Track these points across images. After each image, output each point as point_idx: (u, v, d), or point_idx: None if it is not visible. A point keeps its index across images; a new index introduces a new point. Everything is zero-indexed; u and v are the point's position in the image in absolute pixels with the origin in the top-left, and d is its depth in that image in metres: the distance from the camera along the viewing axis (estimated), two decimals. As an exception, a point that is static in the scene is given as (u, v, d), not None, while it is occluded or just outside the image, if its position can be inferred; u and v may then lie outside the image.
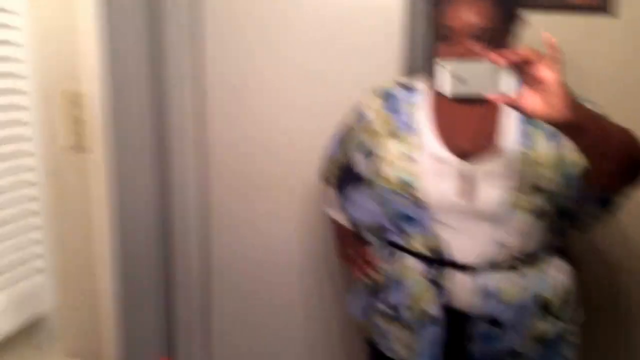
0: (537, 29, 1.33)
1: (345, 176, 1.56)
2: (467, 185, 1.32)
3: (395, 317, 1.45)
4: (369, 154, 1.45)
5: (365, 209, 1.51)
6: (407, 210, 1.37)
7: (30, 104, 1.42)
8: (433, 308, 1.37)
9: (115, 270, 1.80)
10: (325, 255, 1.98)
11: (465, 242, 1.33)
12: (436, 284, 1.36)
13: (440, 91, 1.09)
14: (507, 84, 1.05)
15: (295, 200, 1.89)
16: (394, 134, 1.40)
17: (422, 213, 1.35)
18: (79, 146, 1.65)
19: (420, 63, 1.76)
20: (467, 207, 1.31)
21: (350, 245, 1.64)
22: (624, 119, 1.21)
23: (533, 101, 1.04)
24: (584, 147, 1.13)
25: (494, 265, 1.33)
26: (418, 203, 1.34)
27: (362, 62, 1.83)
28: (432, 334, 1.39)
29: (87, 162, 1.70)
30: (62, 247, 1.57)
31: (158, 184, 1.87)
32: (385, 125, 1.42)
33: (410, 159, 1.36)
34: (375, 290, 1.51)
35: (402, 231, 1.41)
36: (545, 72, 1.02)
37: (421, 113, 1.40)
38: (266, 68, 1.89)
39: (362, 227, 1.56)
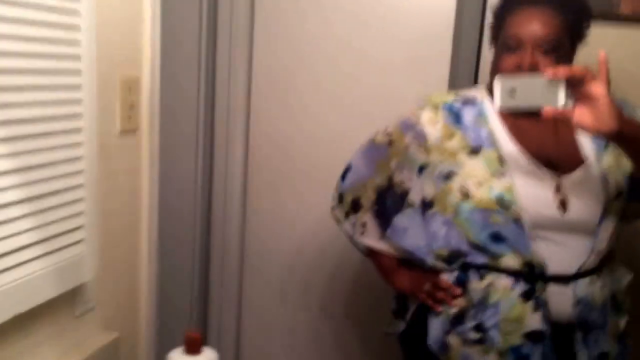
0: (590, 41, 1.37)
1: (385, 201, 1.46)
2: (562, 196, 1.30)
3: (482, 340, 1.34)
4: (447, 175, 1.35)
5: (430, 234, 1.39)
6: (501, 229, 1.30)
7: (88, 85, 1.49)
8: (538, 323, 1.31)
9: (155, 247, 1.87)
10: (355, 256, 1.95)
11: (560, 254, 1.31)
12: (536, 299, 1.31)
13: (492, 104, 1.15)
14: (559, 98, 1.12)
15: (328, 201, 1.87)
16: (472, 150, 1.34)
17: (517, 230, 1.29)
18: (130, 128, 1.73)
19: (465, 73, 1.74)
20: (562, 219, 1.30)
21: (412, 276, 1.46)
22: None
23: (582, 115, 1.11)
24: (630, 154, 1.23)
25: (587, 273, 1.32)
26: (515, 220, 1.29)
27: (411, 70, 1.83)
28: (541, 350, 1.32)
29: (137, 143, 1.78)
30: (105, 221, 1.64)
31: (202, 171, 1.92)
32: (458, 141, 1.35)
33: (502, 174, 1.31)
34: (458, 316, 1.37)
35: (489, 252, 1.33)
36: (596, 89, 1.10)
37: (494, 125, 1.36)
38: (312, 66, 1.92)
39: (421, 255, 1.42)
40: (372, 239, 1.50)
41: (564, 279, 1.30)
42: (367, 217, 1.49)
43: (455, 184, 1.33)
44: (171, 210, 1.88)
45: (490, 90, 1.36)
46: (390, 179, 1.45)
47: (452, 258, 1.37)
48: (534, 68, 1.25)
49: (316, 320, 2.08)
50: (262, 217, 2.05)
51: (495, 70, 1.33)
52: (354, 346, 2.08)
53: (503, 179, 1.30)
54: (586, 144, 1.35)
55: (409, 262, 1.47)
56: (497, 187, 1.30)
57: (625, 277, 1.44)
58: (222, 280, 2.07)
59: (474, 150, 1.34)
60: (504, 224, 1.29)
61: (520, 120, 1.34)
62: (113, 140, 1.66)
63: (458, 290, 1.36)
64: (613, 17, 1.65)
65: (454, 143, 1.35)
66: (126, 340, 1.80)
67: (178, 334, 1.34)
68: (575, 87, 1.11)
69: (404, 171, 1.43)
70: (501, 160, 1.32)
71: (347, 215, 1.53)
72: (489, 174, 1.31)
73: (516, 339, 1.32)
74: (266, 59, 1.95)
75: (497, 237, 1.31)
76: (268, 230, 2.06)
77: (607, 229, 1.33)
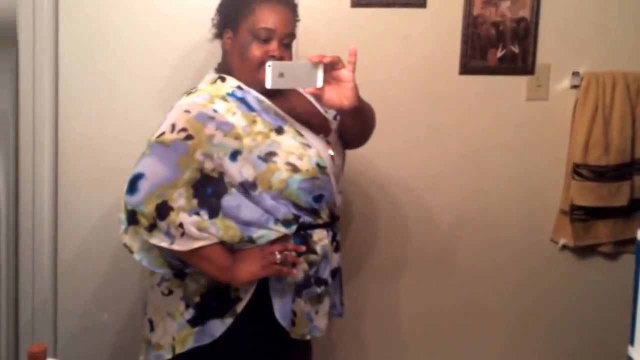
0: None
1: (205, 191, 1.43)
2: (331, 150, 1.57)
3: (325, 292, 1.55)
4: (268, 155, 1.44)
5: (267, 206, 1.45)
6: (321, 190, 1.51)
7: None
8: (337, 262, 1.61)
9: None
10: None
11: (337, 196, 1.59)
12: (337, 242, 1.61)
13: (265, 85, 1.41)
14: (318, 80, 1.43)
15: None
16: (277, 131, 1.49)
17: (330, 187, 1.53)
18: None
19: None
20: (333, 166, 1.55)
21: (252, 261, 1.45)
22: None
23: (330, 94, 1.45)
24: (355, 122, 1.59)
25: None
26: (328, 178, 1.52)
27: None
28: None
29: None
30: None
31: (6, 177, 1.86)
32: (262, 124, 1.47)
33: (307, 145, 1.50)
34: (302, 282, 1.50)
35: (314, 211, 1.52)
36: (345, 74, 1.44)
37: (274, 107, 1.52)
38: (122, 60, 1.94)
39: (262, 222, 1.45)
40: (194, 239, 1.39)
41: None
42: (181, 217, 1.38)
43: (280, 161, 1.45)
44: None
45: (229, 74, 1.53)
46: (201, 170, 1.42)
47: (287, 223, 1.48)
48: (281, 59, 1.48)
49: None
50: (75, 220, 1.99)
51: (244, 57, 1.50)
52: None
53: (311, 148, 1.49)
54: (323, 110, 1.65)
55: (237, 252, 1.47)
56: (312, 156, 1.49)
57: None
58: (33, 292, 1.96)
59: (279, 130, 1.49)
60: (323, 185, 1.50)
61: (281, 99, 1.55)
62: None
63: (303, 247, 1.49)
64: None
65: (260, 127, 1.47)
66: None
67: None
68: (328, 71, 1.43)
69: (214, 159, 1.42)
70: (299, 133, 1.51)
71: (151, 228, 1.37)
72: (301, 147, 1.48)
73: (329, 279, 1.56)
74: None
75: (319, 197, 1.51)
76: (82, 233, 1.99)
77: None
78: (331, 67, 1.43)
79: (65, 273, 2.01)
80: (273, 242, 1.46)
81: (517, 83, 2.16)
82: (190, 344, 1.47)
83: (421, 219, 2.21)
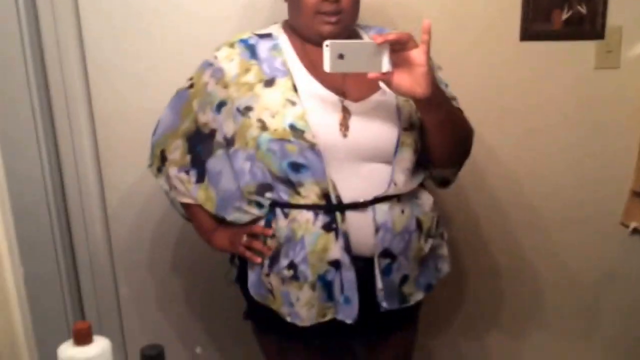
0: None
1: (196, 148, 1.44)
2: (346, 121, 1.34)
3: (296, 276, 1.39)
4: (245, 109, 1.36)
5: (241, 173, 1.39)
6: (298, 158, 1.33)
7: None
8: (339, 253, 1.36)
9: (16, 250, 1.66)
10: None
11: (356, 182, 1.35)
12: (336, 229, 1.35)
13: (324, 67, 1.21)
14: (384, 64, 1.21)
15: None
16: (267, 82, 1.36)
17: (314, 157, 1.32)
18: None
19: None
20: (344, 143, 1.34)
21: (231, 233, 1.47)
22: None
23: (401, 79, 1.22)
24: (434, 121, 1.32)
25: (384, 199, 1.36)
26: (311, 147, 1.32)
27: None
28: (344, 280, 1.37)
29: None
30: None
31: (48, 159, 1.78)
32: (254, 74, 1.37)
33: (294, 103, 1.34)
34: (273, 257, 1.41)
35: (292, 184, 1.35)
36: (418, 56, 1.21)
37: (288, 56, 1.39)
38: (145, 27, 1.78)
39: (234, 197, 1.43)
40: (182, 194, 1.49)
41: (360, 206, 1.35)
42: (170, 170, 1.47)
43: (254, 117, 1.34)
44: (25, 209, 1.67)
45: (288, 27, 1.44)
46: (195, 121, 1.43)
47: (260, 192, 1.39)
48: (337, 7, 1.33)
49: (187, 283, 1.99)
50: (122, 195, 1.87)
51: (299, 6, 1.36)
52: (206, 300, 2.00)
53: (295, 108, 1.33)
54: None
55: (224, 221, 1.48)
56: (289, 116, 1.32)
57: (428, 201, 1.47)
58: (92, 270, 1.91)
59: (269, 82, 1.36)
60: (299, 152, 1.32)
61: (315, 53, 1.35)
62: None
63: (270, 231, 1.38)
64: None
65: (250, 76, 1.37)
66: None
67: (60, 333, 1.17)
68: (397, 51, 1.21)
69: (206, 111, 1.41)
70: (294, 88, 1.35)
71: (159, 170, 1.51)
72: (283, 104, 1.33)
73: (322, 268, 1.36)
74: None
75: (296, 166, 1.33)
76: (130, 206, 1.89)
77: (404, 159, 1.37)
78: (401, 47, 1.21)
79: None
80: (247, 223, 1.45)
81: (585, 49, 1.93)
82: None
83: (482, 202, 2.04)
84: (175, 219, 1.66)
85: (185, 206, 1.51)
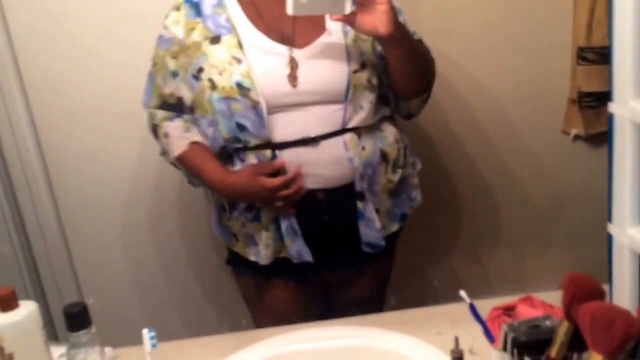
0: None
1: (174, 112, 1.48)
2: (294, 70, 1.34)
3: (257, 217, 1.44)
4: (198, 72, 1.37)
5: (208, 139, 1.44)
6: (240, 118, 1.34)
7: None
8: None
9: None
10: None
11: (308, 125, 1.35)
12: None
13: (286, 10, 1.21)
14: (346, 6, 1.22)
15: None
16: (212, 40, 1.36)
17: (255, 117, 1.33)
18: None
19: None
20: (295, 92, 1.33)
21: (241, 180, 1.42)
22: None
23: (363, 19, 1.25)
24: (398, 56, 1.34)
25: (338, 135, 1.37)
26: (254, 106, 1.33)
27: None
28: (291, 223, 1.41)
29: None
30: None
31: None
32: (200, 32, 1.37)
33: (240, 60, 1.33)
34: (231, 202, 1.47)
35: (240, 142, 1.38)
36: None
37: (232, 12, 1.37)
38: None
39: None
40: (180, 139, 1.46)
41: (312, 142, 1.35)
42: (165, 126, 1.47)
43: (205, 77, 1.35)
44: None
45: None
46: (161, 96, 1.46)
47: (222, 155, 1.43)
48: None
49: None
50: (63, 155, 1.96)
51: None
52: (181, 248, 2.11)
53: (241, 65, 1.32)
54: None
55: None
56: (236, 74, 1.32)
57: (391, 132, 1.47)
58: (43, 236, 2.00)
59: (215, 39, 1.35)
60: (243, 111, 1.33)
61: (262, 3, 1.36)
62: None
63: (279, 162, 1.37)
64: None
65: (196, 35, 1.36)
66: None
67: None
68: None
69: (167, 82, 1.43)
70: (240, 44, 1.34)
71: (154, 134, 1.53)
72: (229, 62, 1.33)
73: (276, 211, 1.40)
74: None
75: (241, 127, 1.35)
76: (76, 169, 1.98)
77: (356, 99, 1.36)
78: None
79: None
80: None
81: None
82: None
83: (428, 117, 2.03)
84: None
85: (187, 159, 1.47)
